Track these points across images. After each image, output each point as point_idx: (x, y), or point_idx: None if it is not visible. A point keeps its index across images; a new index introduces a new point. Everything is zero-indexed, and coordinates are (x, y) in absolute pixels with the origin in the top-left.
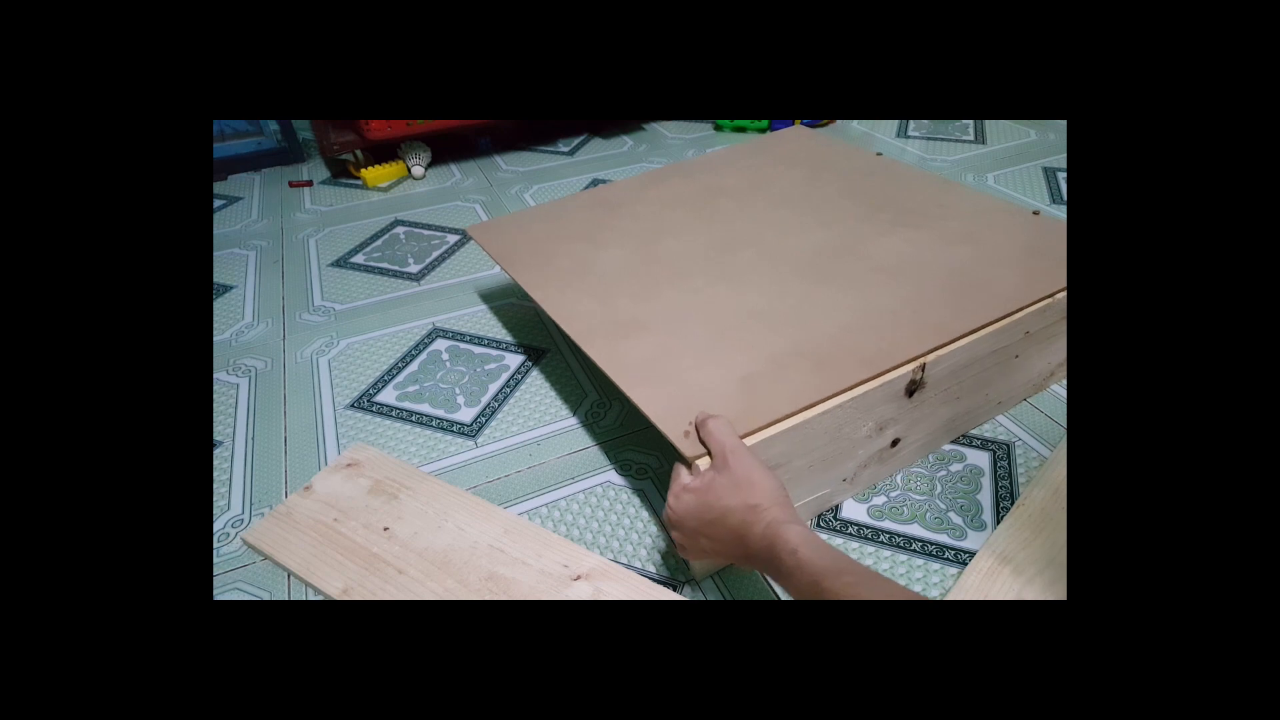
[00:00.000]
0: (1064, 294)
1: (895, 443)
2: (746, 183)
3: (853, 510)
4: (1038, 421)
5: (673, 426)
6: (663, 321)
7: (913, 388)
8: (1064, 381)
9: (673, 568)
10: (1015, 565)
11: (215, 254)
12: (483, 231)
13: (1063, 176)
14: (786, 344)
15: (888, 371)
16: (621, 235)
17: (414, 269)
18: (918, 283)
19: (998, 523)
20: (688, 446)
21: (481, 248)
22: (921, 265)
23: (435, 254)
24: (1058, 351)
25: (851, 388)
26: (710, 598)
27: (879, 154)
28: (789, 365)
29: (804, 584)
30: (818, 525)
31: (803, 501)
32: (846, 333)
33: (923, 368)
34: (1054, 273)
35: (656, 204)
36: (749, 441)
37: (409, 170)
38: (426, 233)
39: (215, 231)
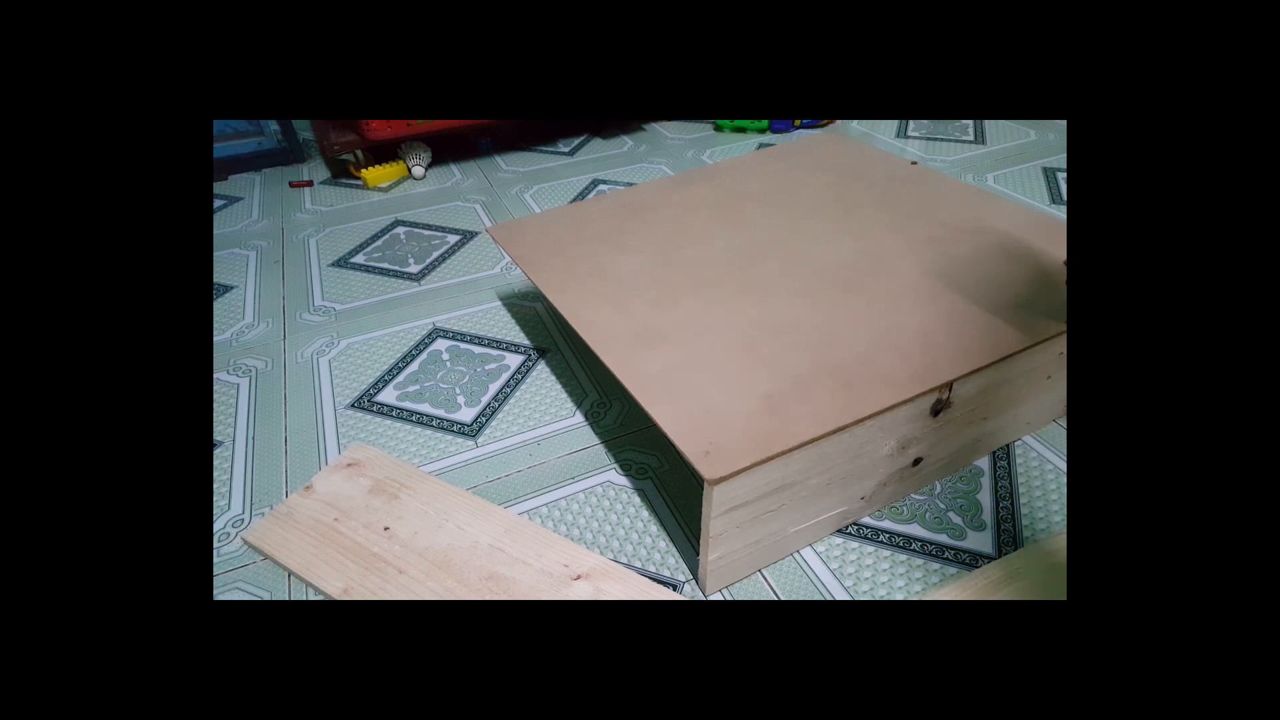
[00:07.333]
0: None
1: (917, 461)
2: (774, 188)
3: None
4: None
5: (693, 446)
6: (683, 332)
7: (938, 407)
8: None
9: (673, 568)
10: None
11: (215, 254)
12: (503, 233)
13: (1062, 176)
14: (811, 362)
15: (916, 395)
16: (644, 240)
17: (414, 269)
18: (950, 300)
19: (998, 523)
20: (706, 467)
21: (502, 249)
22: (954, 281)
23: (435, 254)
24: None
25: (878, 412)
26: (710, 597)
27: (914, 162)
28: (813, 384)
29: None
30: None
31: (819, 519)
32: (875, 351)
33: (949, 387)
34: None
35: (680, 208)
36: (767, 465)
37: (409, 170)
38: (427, 233)
39: (215, 231)
